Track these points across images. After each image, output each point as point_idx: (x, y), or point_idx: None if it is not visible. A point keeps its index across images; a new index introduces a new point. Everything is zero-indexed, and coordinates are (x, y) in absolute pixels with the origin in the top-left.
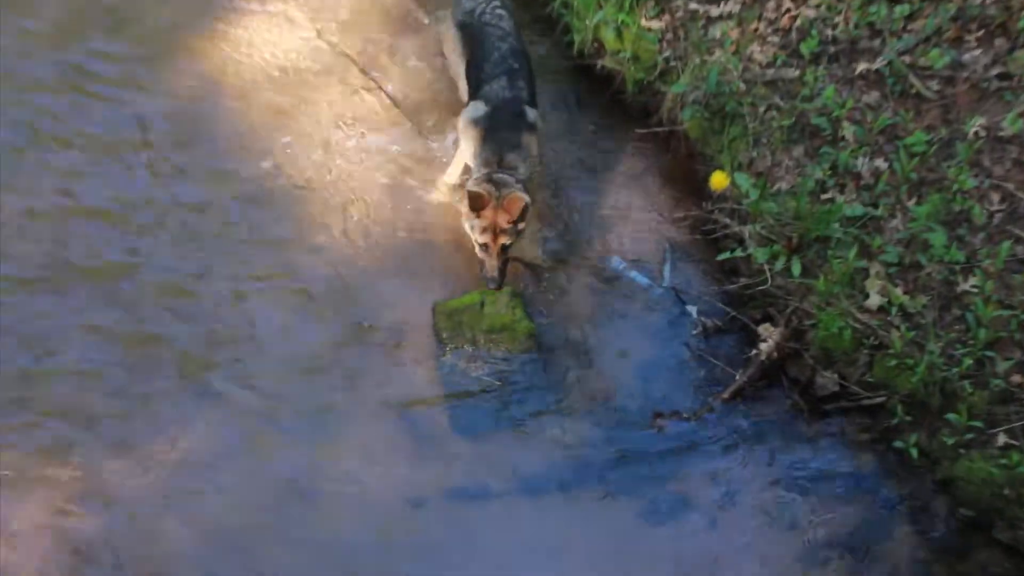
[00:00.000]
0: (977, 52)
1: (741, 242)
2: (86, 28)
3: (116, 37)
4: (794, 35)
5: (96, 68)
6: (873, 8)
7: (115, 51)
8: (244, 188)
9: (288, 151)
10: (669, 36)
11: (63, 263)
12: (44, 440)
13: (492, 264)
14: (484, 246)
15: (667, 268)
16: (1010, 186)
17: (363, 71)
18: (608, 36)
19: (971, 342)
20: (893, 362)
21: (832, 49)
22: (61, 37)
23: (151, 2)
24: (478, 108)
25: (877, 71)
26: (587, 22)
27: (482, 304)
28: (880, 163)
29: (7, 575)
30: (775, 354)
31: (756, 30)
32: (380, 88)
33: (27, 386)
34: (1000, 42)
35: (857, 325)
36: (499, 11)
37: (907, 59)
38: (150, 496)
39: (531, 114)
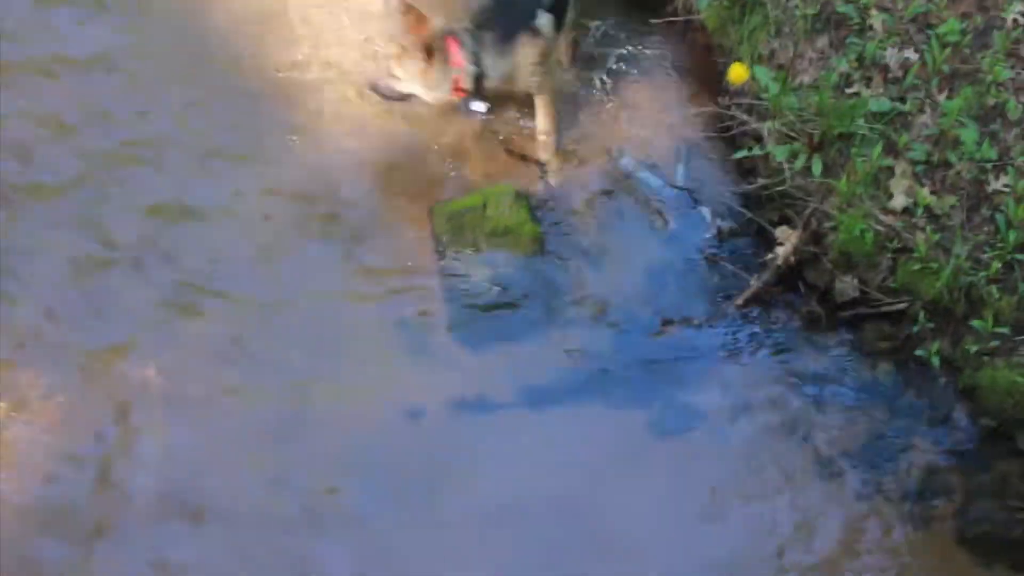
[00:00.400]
0: None
1: (759, 140)
2: None
3: None
4: None
5: None
6: None
7: None
8: None
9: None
10: None
11: None
12: None
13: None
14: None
15: (680, 168)
16: None
17: None
18: None
19: (1000, 245)
20: (917, 266)
21: None
22: None
23: None
24: None
25: None
26: None
27: (484, 206)
28: (910, 54)
29: None
30: (792, 258)
31: None
32: None
33: None
34: None
35: (880, 227)
36: None
37: None
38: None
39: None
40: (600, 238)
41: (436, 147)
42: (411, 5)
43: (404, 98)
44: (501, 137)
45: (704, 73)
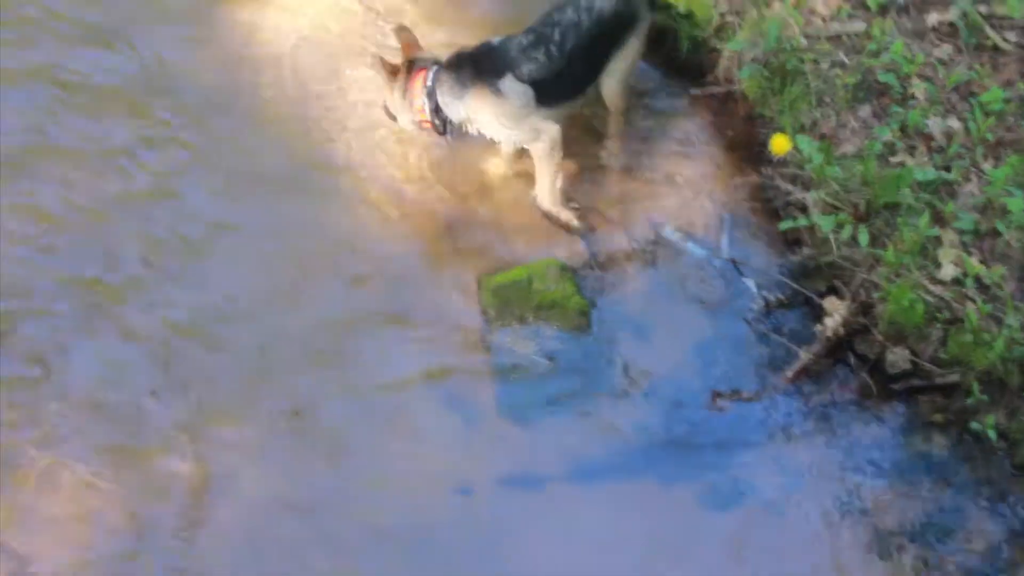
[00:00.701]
0: None
1: (804, 210)
2: None
3: None
4: None
5: None
6: None
7: None
8: None
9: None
10: None
11: None
12: None
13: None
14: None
15: (724, 238)
16: None
17: None
18: None
19: None
20: (969, 337)
21: (901, 0)
22: None
23: None
24: None
25: (950, 23)
26: None
27: (530, 279)
28: (953, 123)
29: None
30: (841, 330)
31: None
32: None
33: None
34: None
35: (929, 298)
36: None
37: (983, 9)
38: None
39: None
40: (646, 310)
41: (479, 218)
42: (404, 27)
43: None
44: (537, 208)
45: (746, 143)
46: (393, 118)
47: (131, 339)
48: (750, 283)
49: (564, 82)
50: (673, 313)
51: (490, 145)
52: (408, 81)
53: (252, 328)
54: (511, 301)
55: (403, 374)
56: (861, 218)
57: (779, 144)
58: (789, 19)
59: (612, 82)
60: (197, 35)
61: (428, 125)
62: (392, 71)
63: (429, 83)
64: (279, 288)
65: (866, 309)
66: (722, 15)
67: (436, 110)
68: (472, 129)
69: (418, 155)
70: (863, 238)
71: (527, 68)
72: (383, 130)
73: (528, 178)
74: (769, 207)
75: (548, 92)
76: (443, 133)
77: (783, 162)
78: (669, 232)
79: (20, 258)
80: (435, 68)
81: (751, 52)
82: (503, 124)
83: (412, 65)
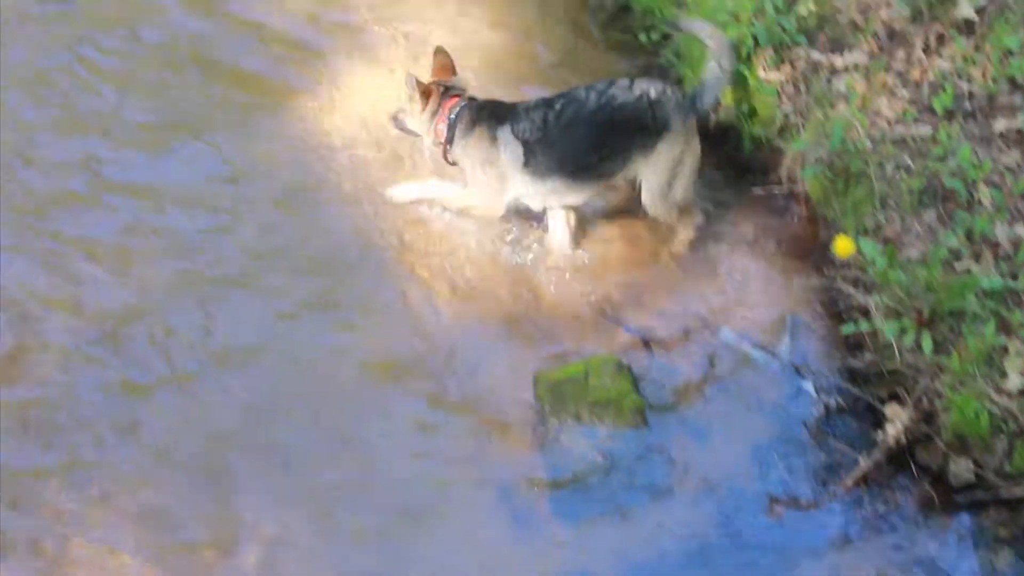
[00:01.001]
0: None
1: (866, 314)
2: None
3: None
4: (926, 89)
5: None
6: (1014, 61)
7: None
8: None
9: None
10: (789, 89)
11: None
12: None
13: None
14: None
15: (784, 341)
16: None
17: None
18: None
19: None
20: None
21: (968, 105)
22: None
23: None
24: None
25: (1018, 130)
26: (700, 73)
27: (587, 375)
28: (1021, 230)
29: None
30: (903, 438)
31: (884, 83)
32: None
33: None
34: None
35: (995, 408)
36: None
37: None
38: None
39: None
40: (703, 410)
41: (539, 313)
42: (442, 49)
43: (410, 132)
44: (593, 298)
45: (808, 243)
46: (406, 131)
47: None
48: (809, 386)
49: (556, 154)
50: (730, 414)
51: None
52: (441, 105)
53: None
54: (567, 397)
55: (454, 470)
56: (925, 324)
57: (842, 246)
58: (854, 121)
59: (647, 195)
60: (261, 132)
61: (441, 151)
62: (425, 91)
63: (453, 115)
64: (328, 380)
65: (929, 418)
66: (786, 115)
67: (450, 140)
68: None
69: (475, 247)
70: (927, 345)
71: (522, 126)
72: (438, 224)
73: (586, 273)
74: (830, 309)
75: (538, 158)
76: (452, 163)
77: (846, 264)
78: (728, 332)
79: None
80: (463, 103)
81: (815, 153)
82: (480, 169)
83: (448, 91)
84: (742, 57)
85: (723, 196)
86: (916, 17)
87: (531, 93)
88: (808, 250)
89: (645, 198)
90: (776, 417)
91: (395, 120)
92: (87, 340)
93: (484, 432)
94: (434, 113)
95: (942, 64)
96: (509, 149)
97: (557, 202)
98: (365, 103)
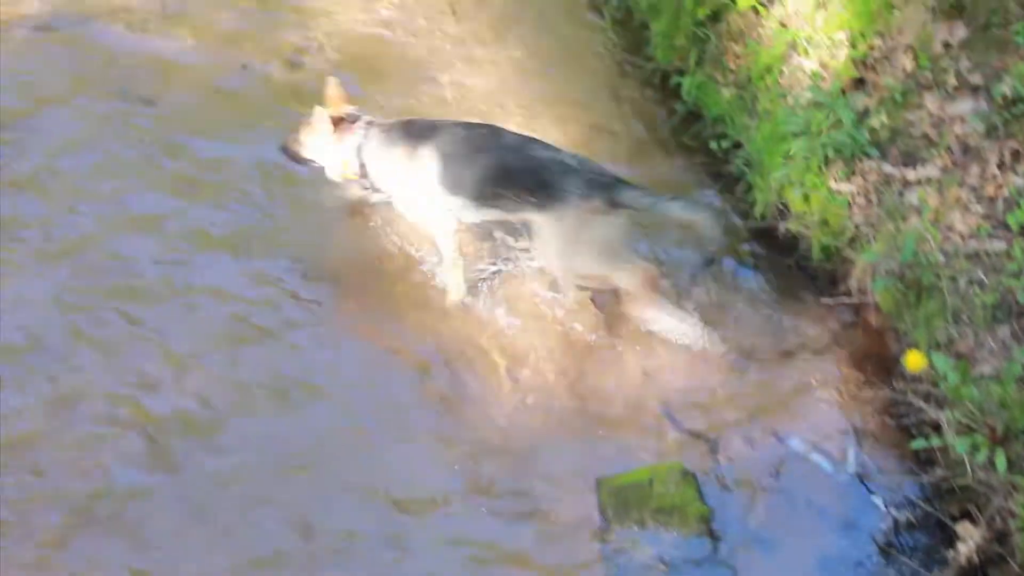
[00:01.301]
0: None
1: (937, 429)
2: None
3: None
4: (1000, 205)
5: None
6: None
7: None
8: None
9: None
10: (860, 200)
11: None
12: None
13: None
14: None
15: (852, 453)
16: None
17: None
18: (793, 197)
19: None
20: None
21: None
22: None
23: None
24: None
25: None
26: (771, 182)
27: (651, 482)
28: None
29: None
30: (975, 558)
31: (957, 198)
32: None
33: None
34: None
35: None
36: None
37: None
38: None
39: None
40: (769, 522)
41: (600, 421)
42: (338, 83)
43: (306, 163)
44: (661, 409)
45: (877, 355)
46: (300, 161)
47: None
48: (878, 500)
49: (463, 173)
50: (797, 527)
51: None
52: (341, 134)
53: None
54: (630, 503)
55: (514, 559)
56: (999, 442)
57: (914, 360)
58: (926, 234)
59: (539, 252)
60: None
61: (353, 177)
62: (334, 122)
63: (359, 139)
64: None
65: (1002, 537)
66: (856, 226)
67: (362, 165)
68: (381, 186)
69: (536, 344)
70: (1000, 463)
71: (442, 139)
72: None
73: (650, 371)
74: (900, 423)
75: (456, 173)
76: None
77: (917, 378)
78: (795, 441)
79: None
80: (367, 126)
81: (886, 264)
82: (404, 186)
83: (342, 120)
84: (813, 168)
85: (791, 304)
86: (991, 132)
87: None
88: (878, 362)
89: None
90: (844, 530)
91: (287, 151)
92: None
93: (545, 535)
94: (339, 141)
95: (1017, 180)
96: (428, 163)
97: (476, 218)
98: None
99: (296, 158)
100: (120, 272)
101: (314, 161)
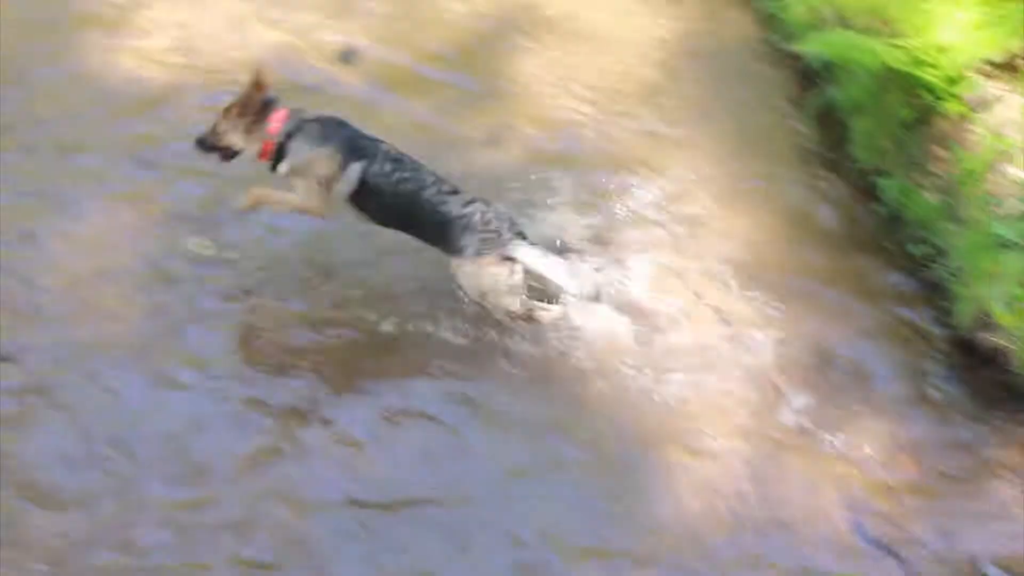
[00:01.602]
0: None
1: None
2: None
3: None
4: None
5: None
6: None
7: None
8: None
9: None
10: None
11: None
12: None
13: None
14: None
15: None
16: None
17: None
18: (998, 309)
19: None
20: None
21: None
22: None
23: None
24: None
25: None
26: (976, 292)
27: None
28: None
29: None
30: None
31: None
32: None
33: None
34: None
35: None
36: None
37: None
38: None
39: None
40: None
41: (782, 516)
42: (264, 70)
43: (224, 151)
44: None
45: None
46: (218, 150)
47: None
48: None
49: (377, 204)
50: None
51: None
52: (264, 118)
53: None
54: None
55: None
56: None
57: None
58: None
59: None
60: None
61: (265, 158)
62: (256, 107)
63: (289, 128)
64: None
65: None
66: None
67: (280, 148)
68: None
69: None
70: None
71: (375, 167)
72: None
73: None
74: None
75: (363, 198)
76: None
77: None
78: (994, 570)
79: None
80: (297, 116)
81: None
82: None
83: (268, 105)
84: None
85: (987, 418)
86: None
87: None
88: None
89: None
90: None
91: (203, 143)
92: None
93: None
94: (264, 126)
95: None
96: (349, 179)
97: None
98: None
99: (214, 147)
100: None
101: (231, 149)
